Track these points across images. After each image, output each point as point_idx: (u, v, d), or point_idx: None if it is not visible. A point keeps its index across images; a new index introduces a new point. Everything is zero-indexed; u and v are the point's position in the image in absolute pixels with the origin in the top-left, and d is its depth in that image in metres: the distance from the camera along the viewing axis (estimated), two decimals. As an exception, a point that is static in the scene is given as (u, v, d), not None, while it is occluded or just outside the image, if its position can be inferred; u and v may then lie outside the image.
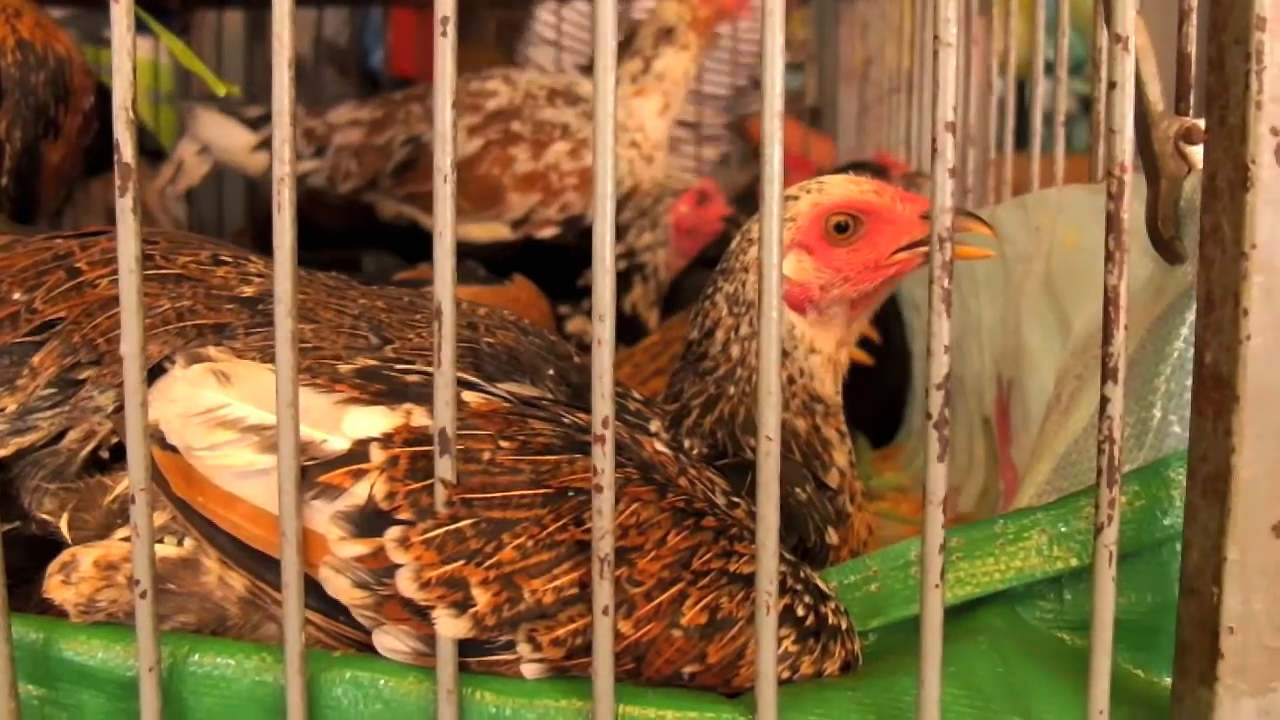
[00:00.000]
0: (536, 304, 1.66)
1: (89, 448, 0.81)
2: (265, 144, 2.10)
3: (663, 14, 2.12)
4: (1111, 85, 0.63)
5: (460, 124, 2.07)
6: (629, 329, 1.89)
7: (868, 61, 2.78)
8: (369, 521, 0.71)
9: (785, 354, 0.91)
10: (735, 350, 0.92)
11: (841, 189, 0.91)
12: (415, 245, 2.04)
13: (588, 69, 2.27)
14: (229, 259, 0.91)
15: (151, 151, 1.97)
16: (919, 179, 1.85)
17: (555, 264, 1.96)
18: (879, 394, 2.00)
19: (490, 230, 2.03)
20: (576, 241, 2.04)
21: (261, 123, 2.11)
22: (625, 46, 2.12)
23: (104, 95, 1.62)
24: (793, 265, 0.90)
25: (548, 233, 2.06)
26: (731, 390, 0.92)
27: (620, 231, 1.92)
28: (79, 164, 1.60)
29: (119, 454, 0.82)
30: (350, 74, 3.78)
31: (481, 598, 0.69)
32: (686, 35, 2.11)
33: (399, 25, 3.77)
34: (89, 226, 1.03)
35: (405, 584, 0.70)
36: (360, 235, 2.06)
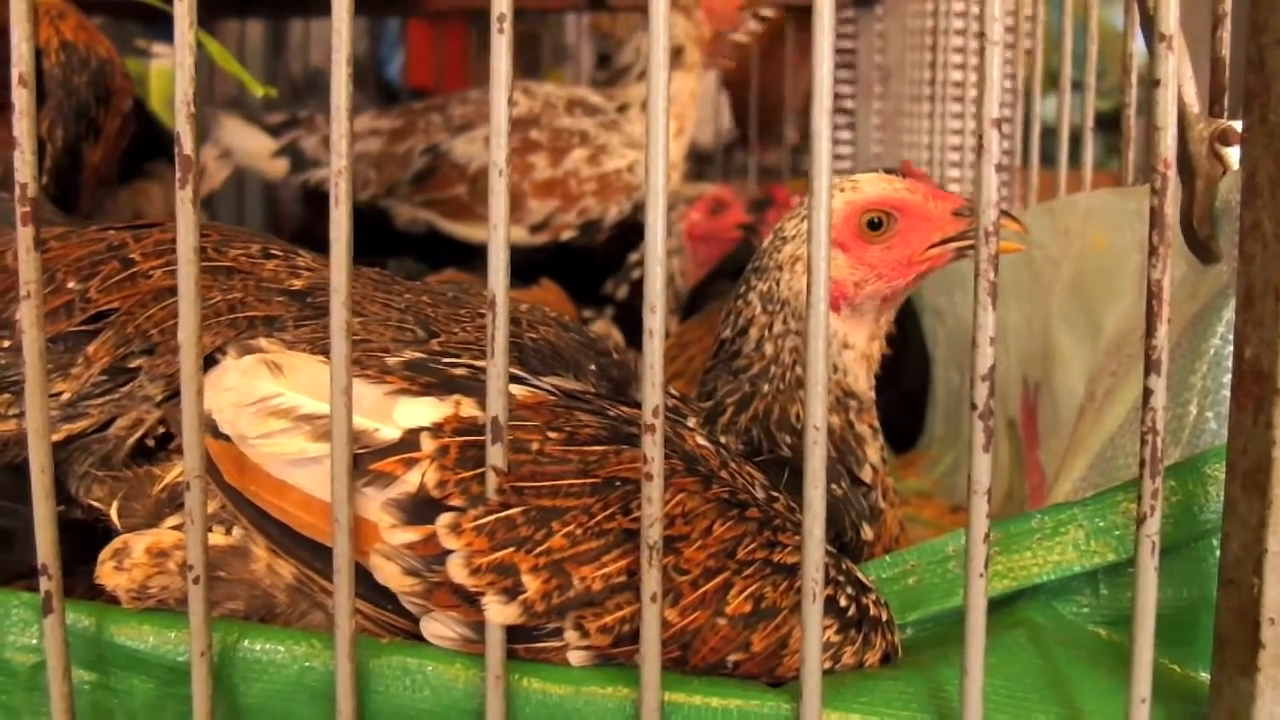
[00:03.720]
0: (563, 308, 1.68)
1: (136, 435, 0.83)
2: (285, 150, 2.14)
3: (672, 33, 2.13)
4: (1155, 83, 0.64)
5: (479, 134, 2.10)
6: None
7: (888, 71, 2.79)
8: (420, 509, 0.72)
9: None
10: (769, 348, 0.93)
11: (875, 187, 0.92)
12: (429, 251, 2.07)
13: (604, 84, 2.28)
14: (279, 253, 0.92)
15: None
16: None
17: (580, 270, 1.97)
18: (900, 400, 2.01)
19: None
20: (604, 247, 2.06)
21: (282, 129, 2.15)
22: (629, 71, 2.15)
23: (137, 102, 1.64)
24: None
25: (566, 236, 2.08)
26: (766, 388, 0.92)
27: (633, 242, 1.93)
28: (115, 166, 1.62)
29: (164, 443, 0.83)
30: (367, 85, 3.80)
31: (531, 584, 0.70)
32: (693, 53, 2.13)
33: (415, 37, 3.79)
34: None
35: (456, 570, 0.71)
36: (375, 242, 2.08)
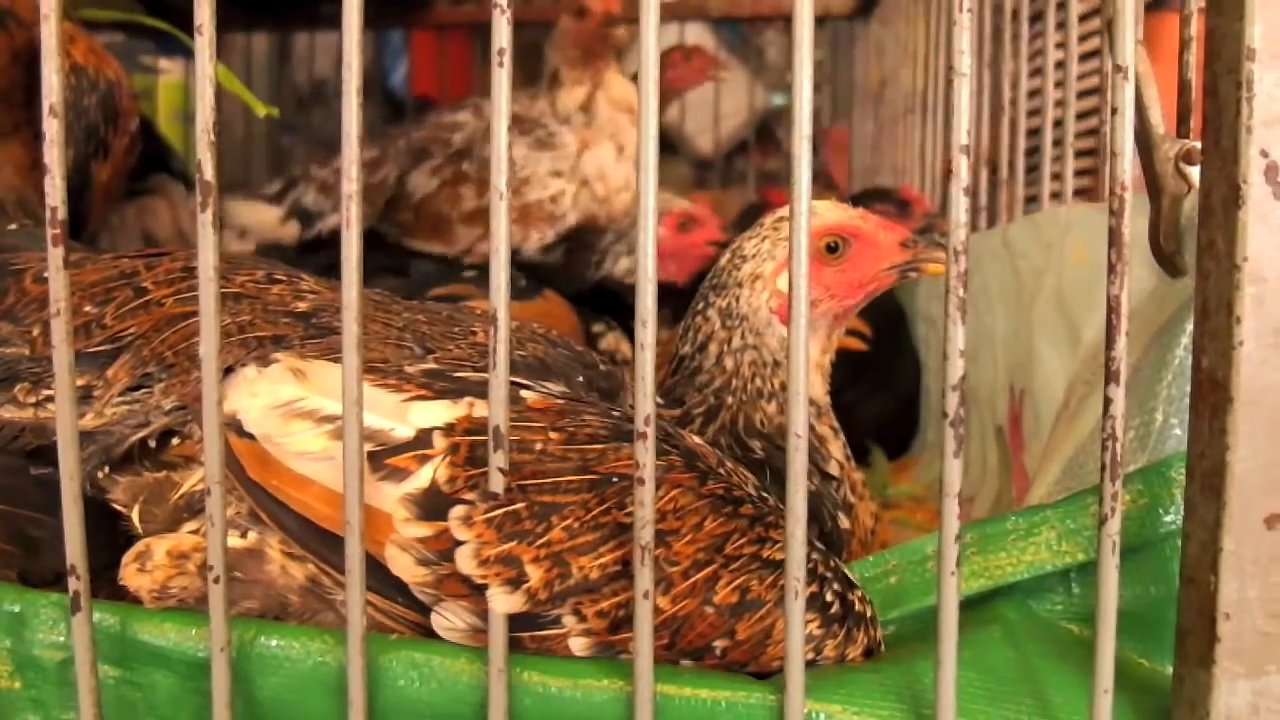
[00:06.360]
0: (566, 318, 1.72)
1: (140, 435, 0.87)
2: (291, 213, 2.25)
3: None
4: (1114, 111, 0.68)
5: (428, 166, 2.21)
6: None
7: (882, 83, 2.83)
8: (432, 504, 0.77)
9: (777, 363, 0.98)
10: (729, 362, 0.99)
11: (833, 213, 0.99)
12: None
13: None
14: (283, 278, 0.97)
15: (178, 172, 2.05)
16: (938, 221, 1.90)
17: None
18: (893, 406, 2.06)
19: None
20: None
21: (282, 195, 2.26)
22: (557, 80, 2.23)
23: (142, 120, 1.69)
24: (785, 282, 0.96)
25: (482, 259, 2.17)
26: (730, 400, 0.98)
27: (598, 258, 1.96)
28: (123, 183, 1.67)
29: (164, 442, 0.87)
30: (371, 94, 3.85)
31: (534, 574, 0.75)
32: (571, 73, 2.21)
33: (420, 46, 3.84)
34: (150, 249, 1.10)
35: (465, 561, 0.76)
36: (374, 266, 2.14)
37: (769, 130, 3.88)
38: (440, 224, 2.18)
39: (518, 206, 2.14)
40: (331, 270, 0.82)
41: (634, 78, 2.29)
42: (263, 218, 2.23)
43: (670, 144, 3.37)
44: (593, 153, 2.16)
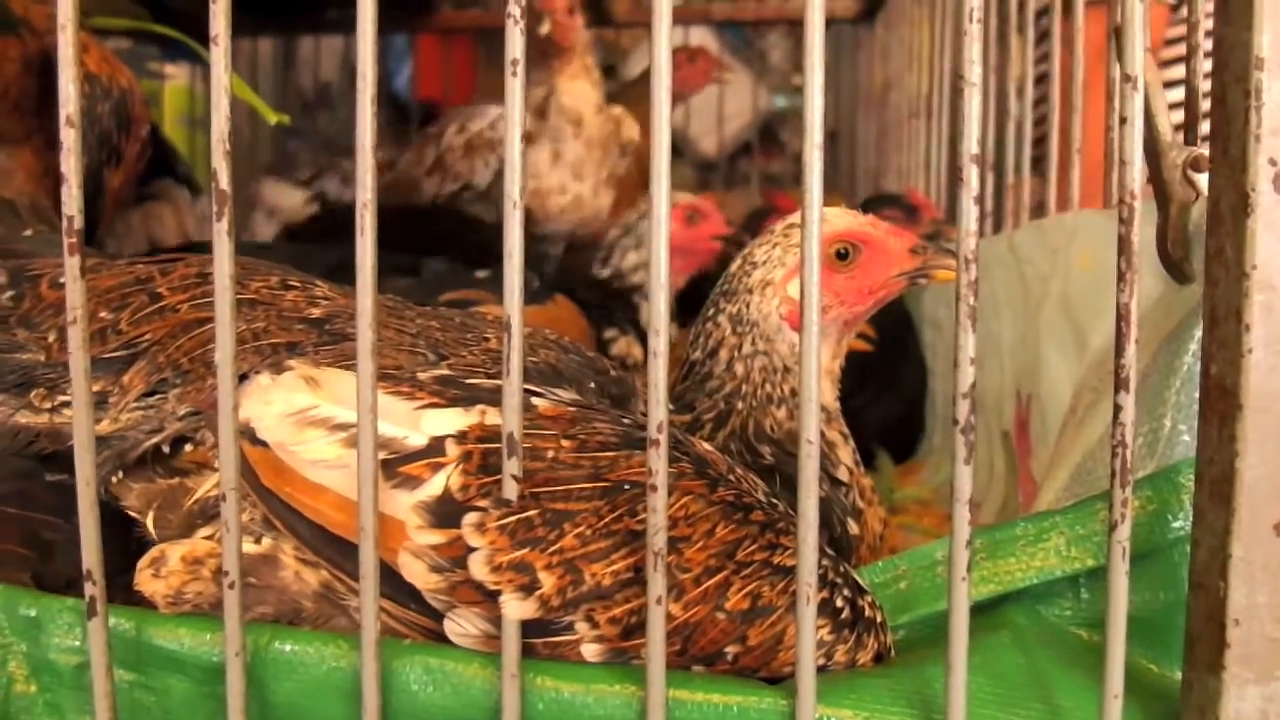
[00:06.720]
0: (576, 322, 1.73)
1: (154, 440, 0.87)
2: (315, 198, 2.43)
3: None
4: (1122, 120, 0.69)
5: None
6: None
7: (887, 86, 2.84)
8: (445, 511, 0.77)
9: (787, 369, 0.98)
10: (739, 368, 1.00)
11: (843, 220, 1.00)
12: (462, 251, 2.18)
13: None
14: (297, 284, 0.98)
15: (183, 177, 2.06)
16: (945, 227, 1.90)
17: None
18: (900, 411, 2.06)
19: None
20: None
21: (312, 181, 2.44)
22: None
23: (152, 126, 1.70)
24: (796, 288, 0.97)
25: (449, 189, 2.32)
26: (740, 405, 0.99)
27: (604, 254, 1.97)
28: (134, 189, 1.68)
29: (177, 448, 0.87)
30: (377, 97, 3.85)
31: (547, 581, 0.76)
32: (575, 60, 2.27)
33: (424, 50, 3.85)
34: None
35: (478, 567, 0.76)
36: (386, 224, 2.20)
37: (772, 132, 3.90)
38: (407, 184, 2.33)
39: (463, 143, 2.29)
40: (343, 272, 0.82)
41: (643, 75, 2.31)
42: (292, 201, 2.40)
43: (675, 146, 3.39)
44: (532, 148, 2.23)
